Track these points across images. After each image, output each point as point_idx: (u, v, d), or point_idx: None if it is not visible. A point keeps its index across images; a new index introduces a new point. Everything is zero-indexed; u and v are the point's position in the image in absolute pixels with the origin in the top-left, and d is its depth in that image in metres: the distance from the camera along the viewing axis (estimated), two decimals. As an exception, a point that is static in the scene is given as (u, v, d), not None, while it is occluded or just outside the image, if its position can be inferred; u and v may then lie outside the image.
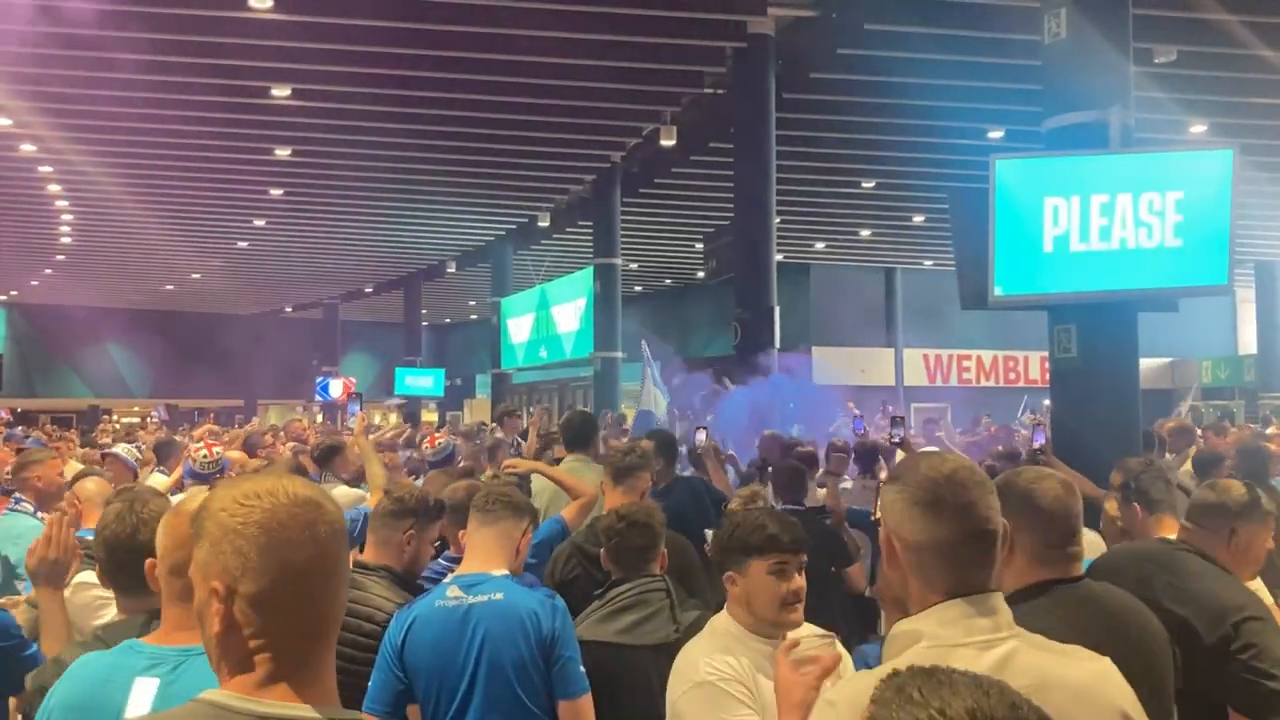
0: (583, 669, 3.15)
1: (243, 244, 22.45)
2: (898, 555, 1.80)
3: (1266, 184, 15.14)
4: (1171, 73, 11.01)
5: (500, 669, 3.07)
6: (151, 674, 1.96)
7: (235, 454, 8.41)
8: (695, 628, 3.29)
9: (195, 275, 26.71)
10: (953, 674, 1.13)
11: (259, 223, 20.09)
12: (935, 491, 1.77)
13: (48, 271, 26.36)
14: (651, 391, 10.59)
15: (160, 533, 2.14)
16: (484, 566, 3.23)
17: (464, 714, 3.08)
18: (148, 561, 2.20)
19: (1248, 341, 26.09)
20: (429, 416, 26.40)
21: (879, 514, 1.89)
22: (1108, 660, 1.83)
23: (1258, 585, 3.32)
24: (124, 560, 2.51)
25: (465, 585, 3.17)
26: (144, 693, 1.94)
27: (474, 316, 33.48)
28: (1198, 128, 13.29)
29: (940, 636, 1.69)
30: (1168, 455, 8.02)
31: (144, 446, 9.76)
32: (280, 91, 12.17)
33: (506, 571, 3.24)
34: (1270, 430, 12.49)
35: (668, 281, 28.09)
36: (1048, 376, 7.29)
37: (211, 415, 28.13)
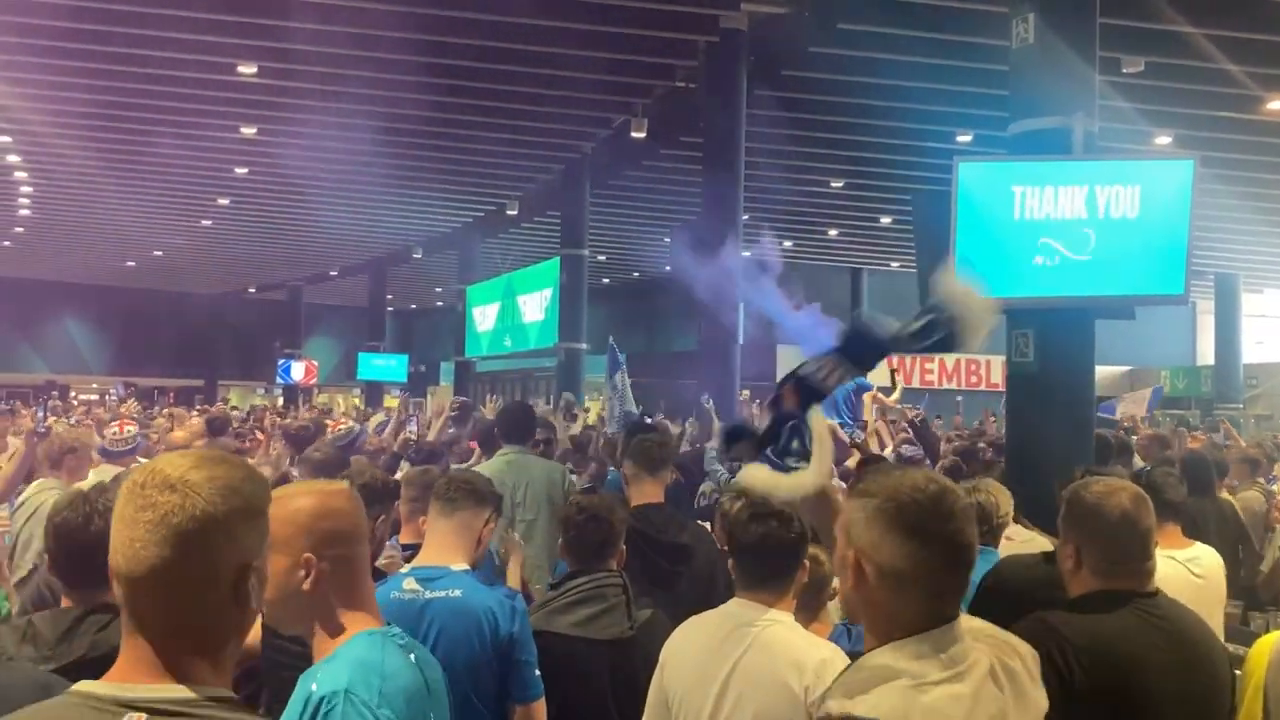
0: (538, 673, 3.08)
1: (206, 222, 22.17)
2: (868, 578, 1.71)
3: (1228, 197, 15.29)
4: (1139, 83, 11.07)
5: (453, 669, 2.98)
6: None
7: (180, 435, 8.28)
8: (649, 626, 3.26)
9: (158, 252, 26.34)
10: None
11: (224, 201, 19.82)
12: (920, 515, 1.70)
13: (5, 244, 25.85)
14: (626, 391, 10.57)
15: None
16: (444, 559, 3.12)
17: None
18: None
19: (1206, 352, 26.44)
20: (390, 403, 26.18)
21: (842, 527, 1.78)
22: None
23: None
24: (73, 551, 2.43)
25: (423, 579, 3.06)
26: None
27: (440, 303, 33.24)
28: (1163, 139, 13.39)
29: (921, 674, 1.64)
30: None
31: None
32: (246, 69, 12.01)
33: (467, 565, 3.13)
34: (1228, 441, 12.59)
35: (636, 274, 28.04)
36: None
37: (172, 395, 27.79)
